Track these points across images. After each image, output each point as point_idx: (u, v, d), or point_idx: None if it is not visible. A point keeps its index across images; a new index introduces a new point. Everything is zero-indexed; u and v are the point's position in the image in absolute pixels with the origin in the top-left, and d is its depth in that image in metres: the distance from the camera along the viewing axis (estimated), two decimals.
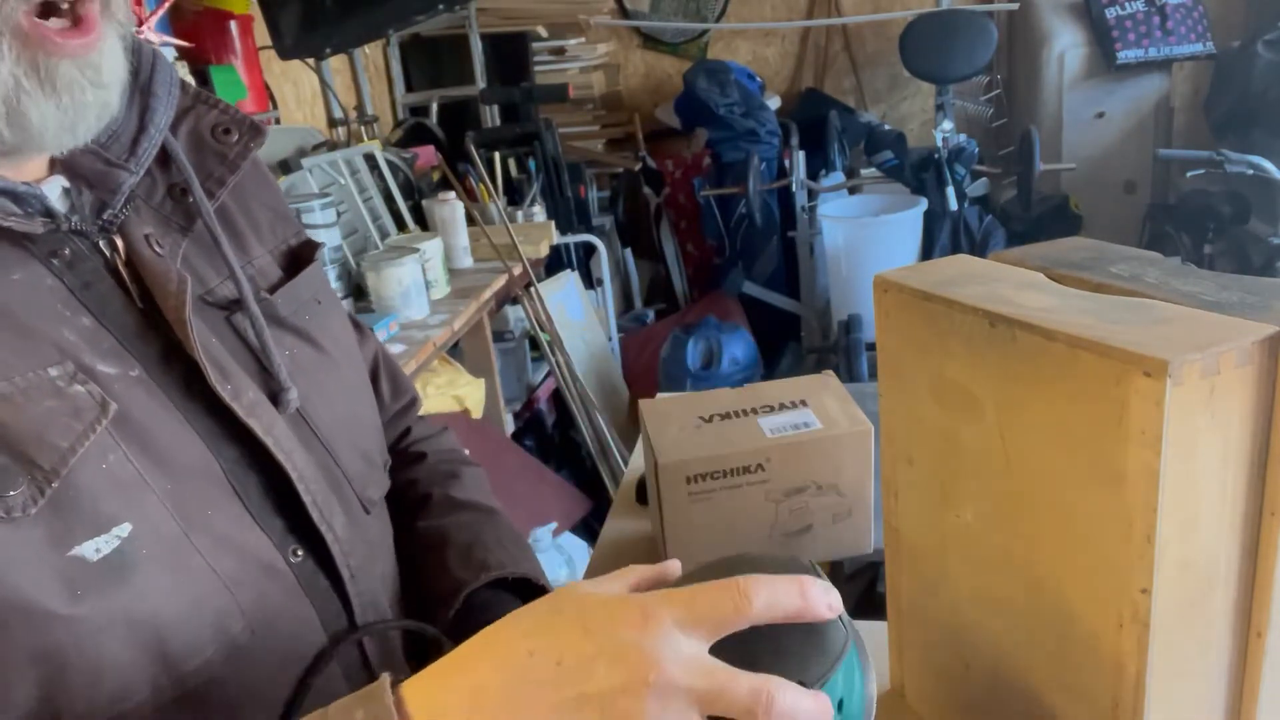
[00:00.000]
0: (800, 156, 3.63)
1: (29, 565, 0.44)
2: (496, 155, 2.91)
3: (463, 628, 0.61)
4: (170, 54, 1.92)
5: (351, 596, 0.58)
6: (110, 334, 0.50)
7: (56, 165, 0.52)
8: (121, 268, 0.52)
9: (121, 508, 0.47)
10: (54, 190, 0.50)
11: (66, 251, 0.50)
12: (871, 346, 3.16)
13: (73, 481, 0.45)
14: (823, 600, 0.42)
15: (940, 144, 3.54)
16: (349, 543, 0.59)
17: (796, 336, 3.91)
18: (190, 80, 0.64)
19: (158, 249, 0.54)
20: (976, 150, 3.48)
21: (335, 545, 0.57)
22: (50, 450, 0.45)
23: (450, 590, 0.65)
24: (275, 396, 0.56)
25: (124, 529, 0.47)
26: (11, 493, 0.43)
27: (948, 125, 3.75)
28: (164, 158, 0.57)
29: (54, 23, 0.45)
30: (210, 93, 0.61)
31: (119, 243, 0.53)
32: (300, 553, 0.56)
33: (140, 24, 1.75)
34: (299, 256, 0.66)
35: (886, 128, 3.85)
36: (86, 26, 0.47)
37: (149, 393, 0.50)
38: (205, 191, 0.57)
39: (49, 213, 0.49)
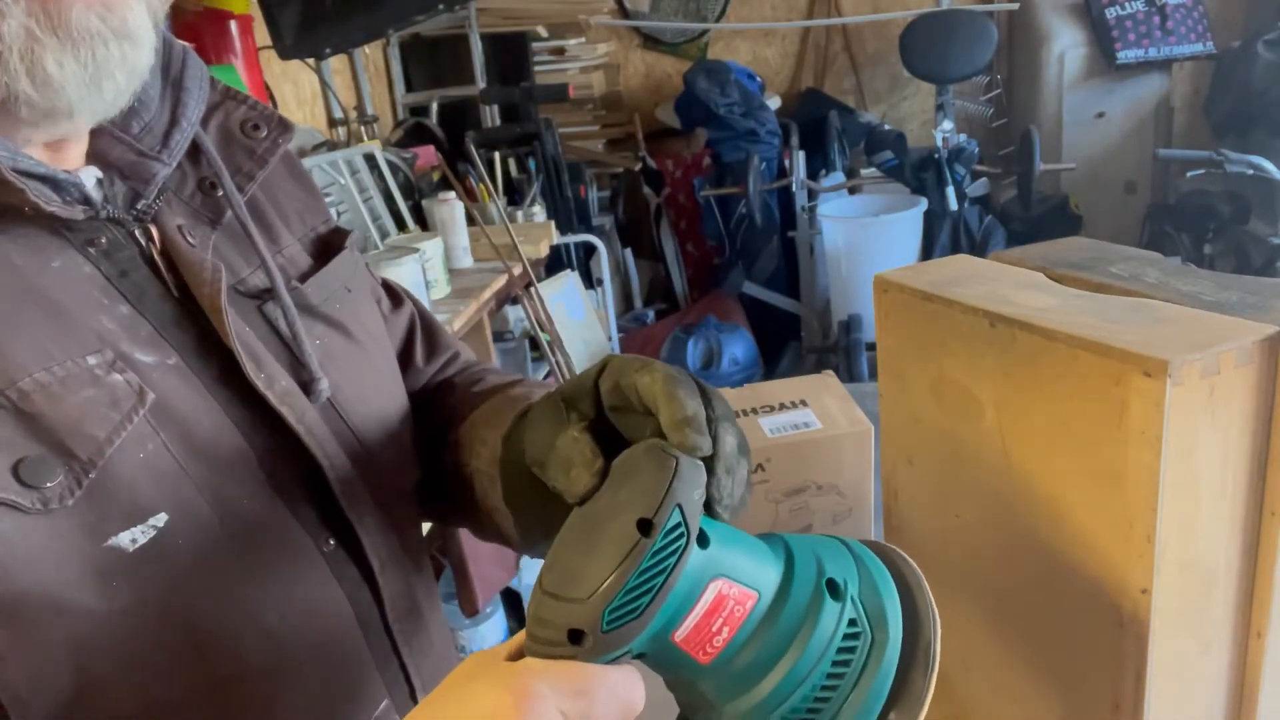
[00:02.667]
0: (800, 156, 3.63)
1: (64, 557, 0.44)
2: (496, 155, 2.91)
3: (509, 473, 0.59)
4: None
5: (381, 587, 0.59)
6: (147, 322, 0.51)
7: (90, 156, 0.52)
8: (156, 257, 0.53)
9: (158, 497, 0.47)
10: (88, 181, 0.51)
11: (103, 240, 0.50)
12: (871, 346, 3.16)
13: (110, 471, 0.46)
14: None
15: (940, 144, 3.55)
16: (379, 533, 0.59)
17: (796, 336, 3.91)
18: None
19: (189, 240, 0.54)
20: (976, 150, 3.48)
21: (365, 536, 0.58)
22: (88, 440, 0.45)
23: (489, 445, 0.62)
24: (306, 386, 0.57)
25: (160, 519, 0.47)
26: (49, 484, 0.44)
27: (948, 125, 3.76)
28: (194, 152, 0.57)
29: None
30: (239, 90, 0.61)
31: (154, 232, 0.53)
32: (332, 542, 0.56)
33: None
34: (329, 244, 0.67)
35: (886, 128, 3.85)
36: None
37: (185, 381, 0.51)
38: (235, 185, 0.57)
39: (87, 200, 0.49)
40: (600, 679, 0.38)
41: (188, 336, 0.52)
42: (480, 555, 2.02)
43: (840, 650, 0.41)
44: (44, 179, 0.47)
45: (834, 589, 0.42)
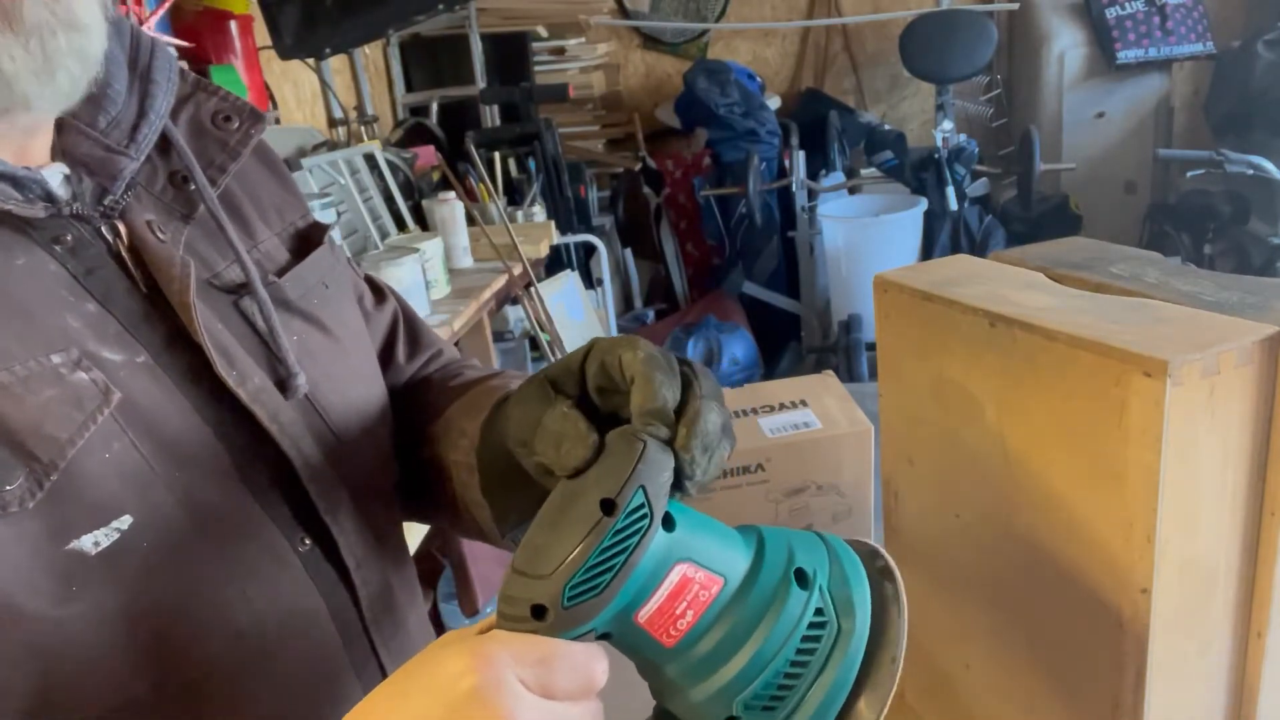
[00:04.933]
0: (800, 156, 3.63)
1: (23, 561, 0.43)
2: (496, 155, 2.91)
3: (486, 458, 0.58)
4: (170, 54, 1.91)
5: (358, 587, 0.58)
6: (115, 320, 0.50)
7: (57, 152, 0.51)
8: (125, 253, 0.52)
9: (124, 498, 0.47)
10: (55, 177, 0.50)
11: (69, 237, 0.50)
12: (871, 346, 3.16)
13: (73, 472, 0.45)
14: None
15: (940, 144, 3.55)
16: (356, 533, 0.58)
17: (796, 336, 3.91)
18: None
19: (160, 235, 0.53)
20: (976, 150, 3.48)
21: (341, 536, 0.57)
22: (49, 442, 0.44)
23: (465, 433, 0.61)
24: (283, 382, 0.56)
25: (124, 521, 0.46)
26: (8, 487, 0.43)
27: (948, 125, 3.76)
28: (164, 145, 0.56)
29: None
30: (210, 80, 0.60)
31: (121, 229, 0.52)
32: (308, 542, 0.55)
33: (140, 24, 1.75)
34: (307, 239, 0.66)
35: (886, 128, 3.85)
36: None
37: (155, 379, 0.50)
38: (207, 179, 0.56)
39: (50, 198, 0.49)
40: (561, 651, 0.39)
41: (157, 334, 0.51)
42: (480, 555, 2.02)
43: (805, 639, 0.42)
44: (4, 176, 0.46)
45: (802, 578, 0.43)
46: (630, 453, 0.42)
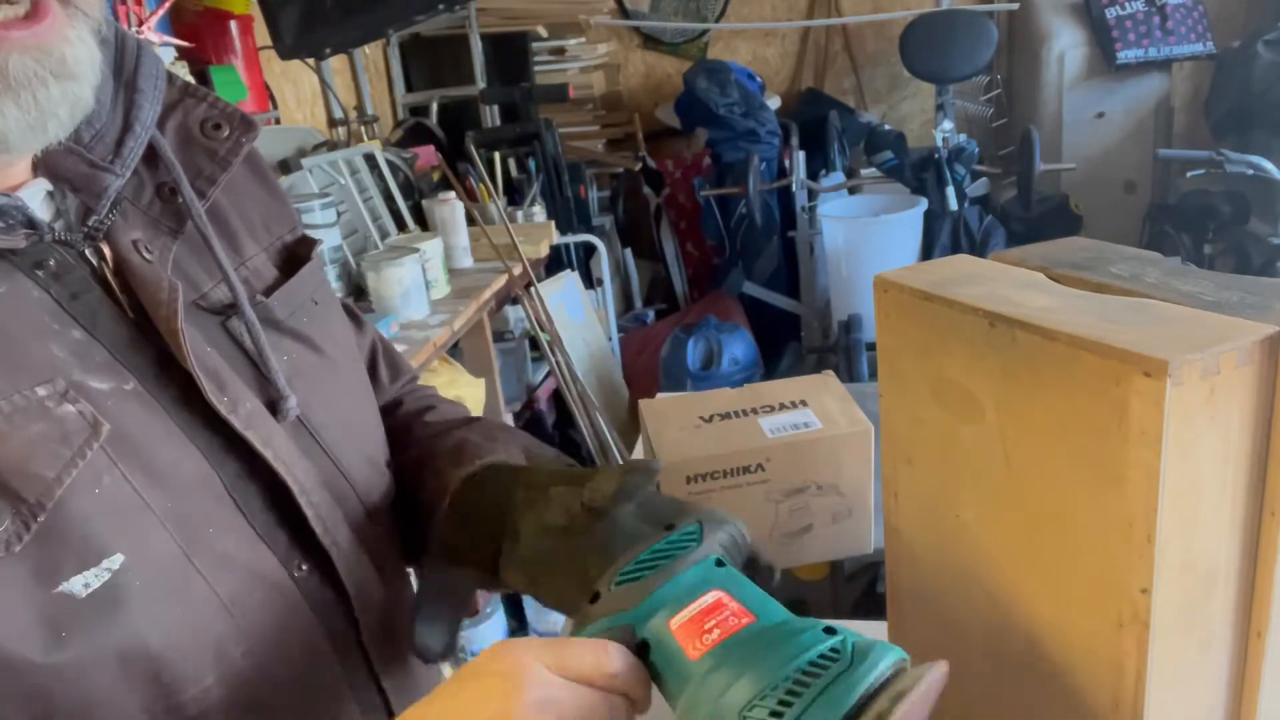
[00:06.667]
0: (800, 156, 3.63)
1: (10, 608, 0.42)
2: (496, 155, 2.91)
3: (459, 515, 0.60)
4: (170, 54, 1.91)
5: (357, 610, 0.57)
6: (102, 347, 0.48)
7: (40, 167, 0.49)
8: (110, 276, 0.50)
9: (115, 536, 0.45)
10: (36, 196, 0.48)
11: (52, 262, 0.47)
12: (871, 346, 3.16)
13: (62, 512, 0.43)
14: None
15: (940, 144, 3.54)
16: (354, 554, 0.57)
17: (796, 336, 3.91)
18: (189, 79, 0.61)
19: (146, 255, 0.51)
20: (976, 150, 3.48)
21: (340, 559, 0.56)
22: (36, 481, 0.42)
23: (442, 486, 0.62)
24: (274, 404, 0.54)
25: (115, 560, 0.45)
26: None
27: (948, 125, 3.76)
28: (151, 156, 0.54)
29: (2, 12, 0.41)
30: (199, 86, 0.58)
31: (106, 250, 0.50)
32: (305, 567, 0.54)
33: (140, 24, 1.75)
34: (295, 254, 0.64)
35: (886, 128, 3.85)
36: (39, 15, 0.42)
37: (145, 407, 0.48)
38: (195, 191, 0.54)
39: (31, 223, 0.47)
40: (574, 640, 0.46)
41: (145, 359, 0.49)
42: None
43: (812, 664, 0.42)
44: None
45: (831, 631, 0.45)
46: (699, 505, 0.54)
